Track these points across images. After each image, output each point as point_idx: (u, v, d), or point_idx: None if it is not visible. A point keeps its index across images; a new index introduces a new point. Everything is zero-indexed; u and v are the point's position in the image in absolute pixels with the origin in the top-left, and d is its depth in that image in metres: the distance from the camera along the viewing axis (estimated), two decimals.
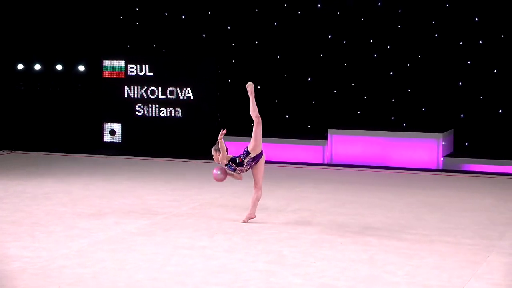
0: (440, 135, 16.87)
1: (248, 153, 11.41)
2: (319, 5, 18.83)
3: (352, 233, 10.68)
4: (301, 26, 18.94)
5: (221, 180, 11.61)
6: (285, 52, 19.11)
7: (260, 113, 18.80)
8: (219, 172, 11.55)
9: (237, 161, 11.41)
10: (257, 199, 11.41)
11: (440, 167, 16.68)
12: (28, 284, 8.18)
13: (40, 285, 8.16)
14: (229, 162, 11.40)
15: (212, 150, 11.52)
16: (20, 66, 20.78)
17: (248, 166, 11.40)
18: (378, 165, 16.88)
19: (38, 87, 20.72)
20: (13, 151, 18.54)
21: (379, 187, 14.45)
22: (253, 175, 11.51)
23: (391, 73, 18.42)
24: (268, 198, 13.14)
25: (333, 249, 9.76)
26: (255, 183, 11.45)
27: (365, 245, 9.94)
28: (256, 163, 11.44)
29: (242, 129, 18.86)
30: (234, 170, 11.44)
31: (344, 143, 17.29)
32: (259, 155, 11.48)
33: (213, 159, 11.55)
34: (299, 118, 19.00)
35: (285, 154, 17.54)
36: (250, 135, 17.82)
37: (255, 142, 11.41)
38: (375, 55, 18.50)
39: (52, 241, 10.09)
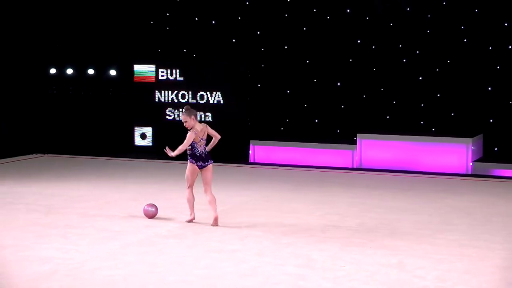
0: (469, 140, 16.79)
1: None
2: (348, 10, 18.80)
3: (382, 237, 10.63)
4: (330, 31, 18.92)
5: (153, 215, 11.76)
6: (314, 57, 19.09)
7: (289, 117, 18.97)
8: (152, 209, 11.79)
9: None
10: (214, 201, 11.47)
11: (469, 172, 16.60)
12: (61, 285, 8.21)
13: (72, 287, 8.19)
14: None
15: (183, 116, 11.46)
16: (52, 71, 20.92)
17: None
18: (407, 169, 16.81)
19: (70, 91, 20.85)
20: (45, 154, 18.64)
21: (408, 192, 14.38)
22: (203, 179, 11.53)
23: (420, 78, 18.35)
24: (298, 202, 13.13)
25: (362, 253, 9.72)
26: (206, 188, 11.50)
27: (394, 249, 9.90)
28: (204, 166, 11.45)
29: (271, 133, 18.91)
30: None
31: (373, 148, 17.25)
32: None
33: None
34: (328, 123, 18.98)
35: (315, 158, 17.53)
36: (279, 139, 18.03)
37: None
38: (404, 60, 18.45)
39: (84, 243, 10.12)
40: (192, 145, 11.35)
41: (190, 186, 11.52)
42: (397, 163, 17.05)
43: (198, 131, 11.34)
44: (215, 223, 11.28)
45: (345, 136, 18.45)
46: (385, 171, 16.77)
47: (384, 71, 18.61)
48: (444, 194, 14.21)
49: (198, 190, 11.61)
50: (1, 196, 13.44)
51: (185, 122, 11.36)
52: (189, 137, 11.33)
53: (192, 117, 11.36)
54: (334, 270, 8.91)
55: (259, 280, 8.48)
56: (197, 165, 11.40)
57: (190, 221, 11.53)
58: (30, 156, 18.55)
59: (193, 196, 11.56)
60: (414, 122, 18.36)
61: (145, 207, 11.82)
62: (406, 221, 11.71)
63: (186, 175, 11.56)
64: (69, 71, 20.85)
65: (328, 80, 19.00)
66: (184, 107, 11.60)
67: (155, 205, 11.86)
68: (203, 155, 11.40)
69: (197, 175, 11.53)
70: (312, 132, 18.93)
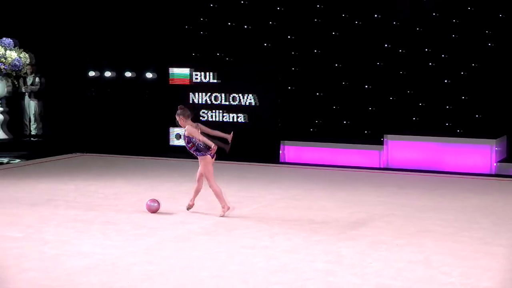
0: (493, 141, 16.66)
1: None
2: (376, 16, 18.75)
3: (408, 235, 10.59)
4: (359, 36, 18.87)
5: (155, 210, 11.90)
6: (344, 60, 19.06)
7: (319, 119, 18.94)
8: (155, 204, 11.93)
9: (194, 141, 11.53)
10: (198, 191, 11.89)
11: (494, 172, 16.47)
12: (100, 279, 8.25)
13: (111, 281, 8.22)
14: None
15: (177, 116, 11.68)
16: (92, 73, 21.03)
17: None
18: (433, 169, 16.72)
19: (109, 93, 20.94)
20: (85, 154, 18.73)
21: (434, 191, 14.30)
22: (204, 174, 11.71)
23: (446, 81, 18.25)
24: (327, 200, 13.12)
25: (389, 250, 9.69)
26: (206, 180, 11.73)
27: (420, 247, 9.85)
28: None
29: (301, 134, 18.90)
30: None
31: (400, 148, 17.17)
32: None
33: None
34: (356, 124, 18.94)
35: (343, 158, 17.48)
36: (308, 140, 17.99)
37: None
38: (431, 64, 18.35)
39: (122, 239, 10.17)
40: (192, 142, 11.44)
41: (213, 179, 11.60)
42: (423, 163, 16.95)
43: (194, 126, 11.53)
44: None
45: (372, 137, 18.37)
46: (412, 171, 16.68)
47: (411, 74, 18.53)
48: (469, 193, 14.12)
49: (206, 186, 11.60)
50: (42, 193, 13.54)
51: (179, 120, 11.58)
52: (193, 131, 11.47)
53: (181, 117, 11.55)
54: (362, 267, 8.90)
55: (290, 276, 8.47)
56: (210, 155, 11.50)
57: (225, 212, 11.58)
58: (71, 155, 18.65)
59: (219, 187, 11.63)
60: (440, 123, 18.26)
61: (148, 202, 11.91)
62: (432, 219, 11.65)
63: (201, 172, 11.69)
64: (108, 73, 20.95)
65: (356, 83, 18.96)
66: (179, 106, 11.74)
67: (157, 200, 11.96)
68: (204, 146, 11.48)
69: (212, 165, 11.57)
70: (341, 133, 18.89)
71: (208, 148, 11.48)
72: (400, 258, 9.31)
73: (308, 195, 13.65)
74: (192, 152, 11.62)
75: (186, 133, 11.53)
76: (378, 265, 8.96)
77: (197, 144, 11.50)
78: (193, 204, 11.96)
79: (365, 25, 18.86)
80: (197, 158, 11.68)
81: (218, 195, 11.71)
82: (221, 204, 11.71)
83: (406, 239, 10.30)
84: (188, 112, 11.71)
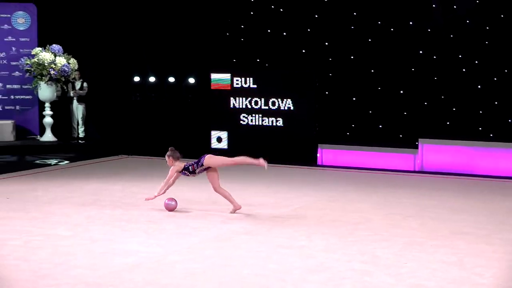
0: None
1: (202, 165, 11.83)
2: (411, 23, 18.67)
3: (442, 236, 10.53)
4: (394, 42, 18.80)
5: (173, 208, 12.02)
6: (379, 66, 18.99)
7: (355, 123, 18.90)
8: (173, 202, 12.04)
9: (190, 170, 11.91)
10: (227, 195, 12.00)
11: None
12: (144, 277, 8.30)
13: (155, 279, 8.26)
14: (183, 170, 11.91)
15: (167, 156, 11.98)
16: (136, 79, 21.19)
17: (200, 172, 11.93)
18: (466, 173, 16.61)
19: (153, 98, 21.07)
20: (129, 156, 18.83)
21: (467, 194, 14.20)
22: (219, 166, 12.03)
23: (479, 87, 18.11)
24: (363, 202, 13.08)
25: (423, 251, 9.64)
26: (232, 164, 12.13)
27: (454, 248, 9.79)
28: (203, 163, 11.86)
29: (338, 138, 18.86)
30: (187, 175, 11.99)
31: (434, 152, 17.07)
32: (202, 157, 11.98)
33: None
34: (391, 128, 18.85)
35: (378, 161, 17.42)
36: (345, 144, 17.94)
37: (216, 162, 11.95)
38: (464, 70, 18.23)
39: (165, 238, 10.22)
40: (187, 172, 11.99)
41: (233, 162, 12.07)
42: (457, 166, 16.84)
43: (180, 166, 11.88)
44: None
45: (407, 141, 18.28)
46: (445, 174, 16.59)
47: (444, 80, 18.42)
48: (501, 196, 14.00)
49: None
50: (89, 193, 13.64)
51: (167, 160, 11.96)
52: (172, 171, 11.93)
53: (171, 158, 11.90)
54: (397, 267, 8.86)
55: (326, 276, 8.46)
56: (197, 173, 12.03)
57: (235, 211, 11.86)
58: (116, 157, 18.77)
59: (225, 190, 11.97)
60: (472, 128, 18.12)
61: (166, 201, 12.03)
62: (465, 222, 11.56)
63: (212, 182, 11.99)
64: (152, 79, 21.07)
65: (391, 88, 18.88)
66: (170, 148, 12.06)
67: (174, 199, 12.07)
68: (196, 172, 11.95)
69: (214, 176, 11.98)
70: (376, 136, 18.82)
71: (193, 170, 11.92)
72: (434, 259, 9.26)
73: (344, 197, 13.62)
74: (196, 174, 12.01)
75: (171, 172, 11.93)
76: (412, 266, 8.92)
77: (188, 166, 11.94)
78: (238, 207, 12.00)
79: (400, 32, 18.79)
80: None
81: (228, 197, 11.99)
82: (233, 203, 11.98)
83: (440, 241, 10.24)
84: (178, 155, 12.01)
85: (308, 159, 17.96)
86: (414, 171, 17.05)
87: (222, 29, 20.53)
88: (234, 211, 11.92)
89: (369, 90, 19.07)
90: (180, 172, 11.98)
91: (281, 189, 14.41)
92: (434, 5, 18.57)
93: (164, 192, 11.99)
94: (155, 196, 11.99)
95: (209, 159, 11.87)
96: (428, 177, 16.40)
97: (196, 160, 11.93)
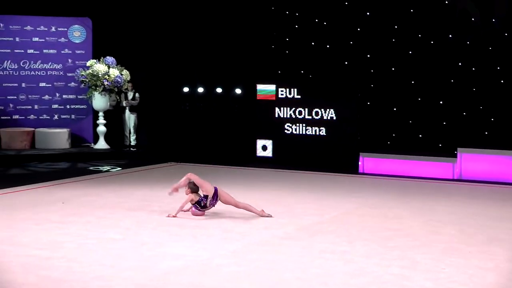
0: None
1: (206, 196, 11.85)
2: (450, 36, 18.54)
3: (479, 242, 10.41)
4: (434, 55, 18.69)
5: (201, 215, 12.02)
6: (419, 77, 18.89)
7: (396, 132, 18.80)
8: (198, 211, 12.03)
9: (202, 205, 11.90)
10: (250, 209, 11.97)
11: None
12: (192, 280, 8.32)
13: (201, 281, 8.28)
14: (195, 204, 11.89)
15: (186, 188, 12.00)
16: (185, 89, 21.30)
17: (212, 206, 11.96)
18: (504, 181, 16.42)
19: (201, 108, 21.17)
20: (179, 163, 18.91)
21: (505, 202, 14.02)
22: (227, 204, 12.01)
23: None
24: (402, 209, 12.98)
25: (461, 257, 9.53)
26: (236, 206, 11.97)
27: (491, 255, 9.66)
28: (217, 199, 11.89)
29: (379, 146, 18.78)
30: (198, 209, 11.93)
31: (472, 161, 16.91)
32: (215, 192, 11.88)
33: None
34: (431, 138, 18.74)
35: (418, 169, 17.29)
36: (387, 153, 17.88)
37: (203, 187, 11.89)
38: (502, 81, 18.04)
39: (211, 242, 10.23)
40: (201, 204, 11.95)
41: (236, 201, 12.02)
42: (495, 175, 16.67)
43: (194, 199, 11.88)
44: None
45: (446, 150, 18.15)
46: (484, 183, 16.42)
47: (482, 91, 18.25)
48: None
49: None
50: (140, 199, 13.72)
51: (186, 190, 11.99)
52: (187, 199, 11.93)
53: (189, 189, 11.92)
54: (435, 272, 8.78)
55: (367, 280, 8.41)
56: (212, 205, 12.01)
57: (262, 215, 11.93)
58: (166, 164, 18.86)
59: (246, 205, 12.02)
60: (510, 138, 17.92)
61: (192, 209, 12.05)
62: (502, 229, 11.42)
63: (233, 204, 12.00)
64: (200, 89, 21.17)
65: (431, 99, 18.76)
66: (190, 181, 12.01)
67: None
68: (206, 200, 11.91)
69: (227, 197, 12.01)
70: (416, 145, 18.71)
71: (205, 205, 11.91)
72: (472, 264, 9.15)
73: (384, 204, 13.54)
74: (208, 207, 11.96)
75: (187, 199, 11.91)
76: (450, 271, 8.83)
77: (200, 200, 11.90)
78: (261, 212, 12.06)
79: (440, 45, 18.67)
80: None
81: (250, 209, 12.00)
82: (257, 213, 11.98)
83: (477, 247, 10.13)
84: (196, 188, 11.97)
85: (350, 167, 17.90)
86: (453, 180, 16.89)
87: (267, 42, 20.59)
88: (264, 215, 11.94)
89: (409, 100, 18.98)
90: (192, 204, 11.96)
91: (323, 196, 14.36)
92: (473, 19, 18.42)
93: (176, 215, 11.96)
94: (173, 216, 11.97)
95: (222, 193, 11.92)
96: (466, 185, 16.24)
97: (205, 196, 11.89)
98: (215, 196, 11.91)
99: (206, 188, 11.93)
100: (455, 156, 17.15)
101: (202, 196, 11.92)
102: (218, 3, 21.13)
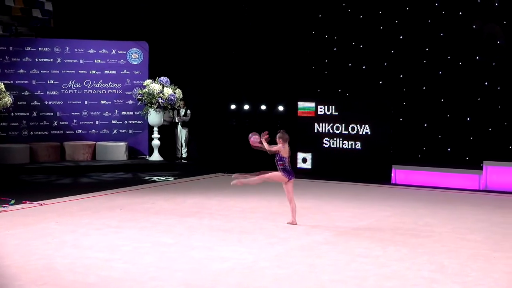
0: None
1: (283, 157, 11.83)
2: (477, 57, 18.38)
3: (505, 249, 10.29)
4: (462, 75, 18.55)
5: (256, 143, 12.16)
6: (447, 96, 18.75)
7: (426, 146, 18.67)
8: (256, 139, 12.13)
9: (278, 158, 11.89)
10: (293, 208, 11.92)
11: None
12: (237, 280, 8.35)
13: (247, 282, 8.31)
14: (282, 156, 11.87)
15: (278, 137, 11.91)
16: (232, 106, 21.37)
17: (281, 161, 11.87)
18: None
19: (247, 123, 21.20)
20: (226, 174, 18.94)
21: None
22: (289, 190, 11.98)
23: None
24: (432, 217, 12.87)
25: (488, 262, 9.44)
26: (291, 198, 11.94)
27: None
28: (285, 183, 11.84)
29: (410, 159, 18.67)
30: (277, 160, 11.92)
31: (497, 173, 16.71)
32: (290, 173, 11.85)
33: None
34: (458, 151, 18.57)
35: (447, 181, 17.13)
36: (417, 165, 17.75)
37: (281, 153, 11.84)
38: None
39: (256, 246, 10.25)
40: (283, 161, 11.78)
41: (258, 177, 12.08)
42: None
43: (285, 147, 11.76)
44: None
45: (472, 163, 17.96)
46: (508, 193, 16.22)
47: (507, 108, 18.05)
48: None
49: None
50: (191, 206, 13.80)
51: (278, 141, 11.84)
52: (278, 147, 11.79)
53: (280, 140, 11.80)
54: (462, 276, 8.70)
55: (399, 282, 8.37)
56: (288, 179, 11.83)
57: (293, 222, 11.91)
58: (214, 175, 18.93)
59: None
60: None
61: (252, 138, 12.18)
62: None
63: (273, 177, 11.95)
64: (246, 106, 21.23)
65: (459, 116, 18.60)
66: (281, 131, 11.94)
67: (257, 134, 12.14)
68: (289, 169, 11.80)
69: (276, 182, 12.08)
70: (445, 158, 18.55)
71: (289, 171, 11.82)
72: (497, 269, 9.06)
73: (415, 212, 13.44)
74: (280, 169, 11.87)
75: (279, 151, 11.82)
76: (477, 275, 8.75)
77: (286, 165, 11.83)
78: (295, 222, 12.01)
79: (467, 66, 18.52)
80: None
81: (293, 210, 11.95)
82: (293, 216, 11.95)
83: (503, 253, 10.02)
84: (287, 136, 11.91)
85: (383, 178, 17.80)
86: (479, 190, 16.71)
87: (308, 63, 20.62)
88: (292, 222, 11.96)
89: (439, 117, 18.84)
90: (278, 155, 11.86)
91: (358, 204, 14.31)
92: (498, 42, 18.25)
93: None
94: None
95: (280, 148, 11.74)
96: (492, 196, 16.05)
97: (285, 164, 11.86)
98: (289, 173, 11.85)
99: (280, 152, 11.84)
100: (481, 168, 16.96)
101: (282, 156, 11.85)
102: (264, 28, 21.22)
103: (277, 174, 11.92)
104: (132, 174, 19.03)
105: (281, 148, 11.80)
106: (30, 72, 20.62)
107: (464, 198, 15.53)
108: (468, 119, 18.51)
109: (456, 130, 18.65)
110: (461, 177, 17.06)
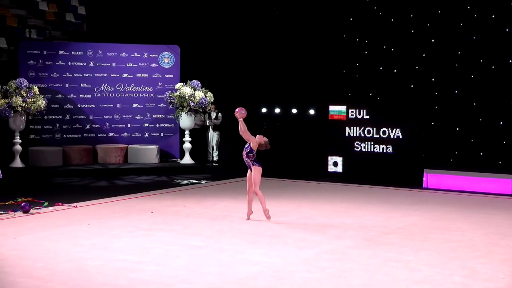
0: None
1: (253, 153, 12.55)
2: (510, 61, 18.19)
3: None
4: (494, 78, 18.39)
5: (242, 115, 13.02)
6: (480, 99, 18.58)
7: (458, 150, 18.48)
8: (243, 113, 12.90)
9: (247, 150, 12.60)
10: (261, 200, 12.37)
11: None
12: (266, 284, 8.32)
13: (276, 285, 8.28)
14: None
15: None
16: (264, 110, 21.35)
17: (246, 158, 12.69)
18: None
19: (277, 127, 21.18)
20: None
21: None
22: (251, 180, 12.49)
23: None
24: (463, 222, 12.74)
25: None
26: (255, 190, 12.39)
27: None
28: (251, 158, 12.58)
29: (442, 163, 18.51)
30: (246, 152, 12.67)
31: None
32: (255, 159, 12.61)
33: None
34: (491, 156, 18.37)
35: (479, 185, 16.95)
36: (449, 169, 17.56)
37: (255, 177, 12.42)
38: None
39: (285, 250, 10.22)
40: (252, 152, 12.41)
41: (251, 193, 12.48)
42: None
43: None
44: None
45: (505, 167, 17.76)
46: None
47: None
48: None
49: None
50: (221, 209, 13.81)
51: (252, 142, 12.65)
52: (252, 138, 12.67)
53: (257, 140, 12.67)
54: (495, 281, 8.60)
55: (430, 287, 8.28)
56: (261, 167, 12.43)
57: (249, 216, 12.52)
58: (245, 178, 18.83)
59: (262, 196, 12.42)
60: None
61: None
62: None
63: (257, 178, 12.34)
64: (277, 110, 21.20)
65: (491, 120, 18.41)
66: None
67: None
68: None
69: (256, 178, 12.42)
70: (477, 163, 18.36)
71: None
72: None
73: (446, 217, 13.31)
74: (249, 161, 12.53)
75: (252, 145, 12.55)
76: (509, 281, 8.63)
77: (255, 157, 12.53)
78: (266, 214, 12.51)
79: (500, 69, 18.33)
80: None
81: (261, 201, 12.37)
82: (263, 208, 12.43)
83: None
84: (263, 147, 12.69)
85: (415, 182, 17.66)
86: None
87: (339, 66, 20.55)
88: (265, 215, 12.42)
89: (471, 121, 18.66)
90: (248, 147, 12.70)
91: (389, 208, 14.21)
92: None
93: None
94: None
95: (255, 170, 12.40)
96: None
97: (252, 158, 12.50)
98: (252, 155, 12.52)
99: (254, 145, 12.59)
100: None
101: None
102: (295, 31, 21.19)
103: (256, 175, 12.42)
104: (163, 177, 19.08)
105: (254, 141, 12.50)
106: (63, 75, 20.80)
107: (496, 203, 15.34)
108: (501, 123, 18.32)
109: (488, 134, 18.46)
110: (494, 182, 16.87)
